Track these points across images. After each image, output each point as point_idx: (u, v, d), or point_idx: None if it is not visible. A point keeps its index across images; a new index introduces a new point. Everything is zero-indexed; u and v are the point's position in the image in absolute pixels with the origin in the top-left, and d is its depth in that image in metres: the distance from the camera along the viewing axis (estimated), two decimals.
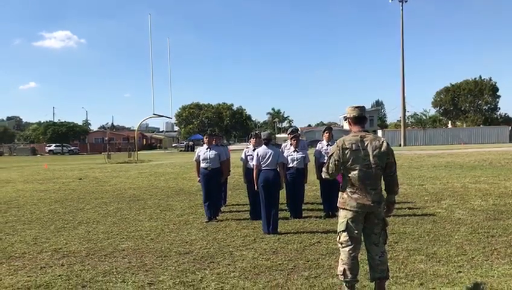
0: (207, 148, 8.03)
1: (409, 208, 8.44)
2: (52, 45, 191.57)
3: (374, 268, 3.85)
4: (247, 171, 7.89)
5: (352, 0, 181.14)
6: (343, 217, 3.86)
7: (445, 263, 4.97)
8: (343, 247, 3.84)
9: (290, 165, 7.86)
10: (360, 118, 3.95)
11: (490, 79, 65.09)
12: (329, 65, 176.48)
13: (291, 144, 8.04)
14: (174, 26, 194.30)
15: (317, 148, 8.11)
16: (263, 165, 6.90)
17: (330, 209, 7.79)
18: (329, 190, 7.58)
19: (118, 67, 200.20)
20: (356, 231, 3.80)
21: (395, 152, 4.06)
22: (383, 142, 3.84)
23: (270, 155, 6.87)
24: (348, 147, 3.81)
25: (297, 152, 7.91)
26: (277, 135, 74.55)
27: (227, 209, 9.12)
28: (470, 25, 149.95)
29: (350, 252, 3.79)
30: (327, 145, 7.89)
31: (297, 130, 8.87)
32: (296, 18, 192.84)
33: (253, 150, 7.80)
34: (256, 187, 7.02)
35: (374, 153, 3.78)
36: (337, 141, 3.91)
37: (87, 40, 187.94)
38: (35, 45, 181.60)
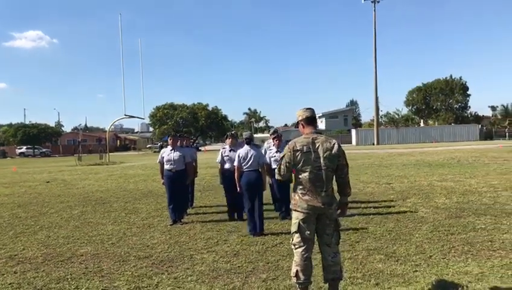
0: (171, 150, 7.93)
1: (374, 207, 8.50)
2: (22, 45, 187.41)
3: (326, 269, 3.83)
4: (224, 172, 7.80)
5: (326, 0, 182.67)
6: (295, 218, 3.84)
7: (403, 262, 5.01)
8: (296, 248, 3.82)
9: (274, 166, 7.81)
10: (313, 118, 3.96)
11: (460, 78, 66.55)
12: (303, 65, 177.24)
13: (273, 145, 8.05)
14: (148, 27, 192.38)
15: None
16: (245, 167, 6.79)
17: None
18: None
19: (91, 68, 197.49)
20: (308, 232, 3.78)
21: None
22: (334, 144, 3.83)
23: (251, 156, 6.78)
24: (299, 149, 3.80)
25: (280, 152, 7.88)
26: (254, 135, 74.50)
27: (193, 212, 9.00)
28: (441, 25, 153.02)
29: (303, 253, 3.77)
30: None
31: (277, 130, 8.88)
32: (270, 17, 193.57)
33: (230, 151, 7.72)
34: (239, 189, 6.92)
35: (325, 155, 3.77)
36: (289, 143, 3.90)
37: (59, 40, 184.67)
38: (6, 45, 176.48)
